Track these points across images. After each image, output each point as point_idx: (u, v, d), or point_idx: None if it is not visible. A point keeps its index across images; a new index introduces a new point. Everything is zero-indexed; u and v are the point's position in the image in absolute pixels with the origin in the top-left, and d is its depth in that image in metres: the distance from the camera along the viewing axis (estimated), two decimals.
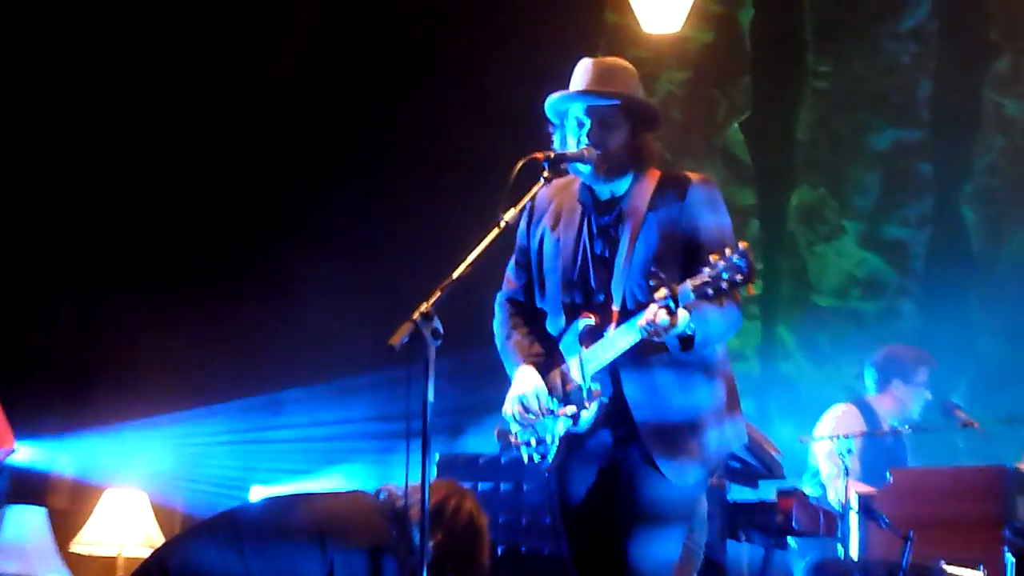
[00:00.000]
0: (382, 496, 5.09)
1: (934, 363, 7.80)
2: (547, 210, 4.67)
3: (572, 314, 4.53)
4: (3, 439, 5.79)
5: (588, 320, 4.48)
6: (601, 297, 4.49)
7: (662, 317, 4.11)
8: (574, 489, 4.60)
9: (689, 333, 4.23)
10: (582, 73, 4.54)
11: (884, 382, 7.76)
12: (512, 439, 4.65)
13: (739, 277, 4.04)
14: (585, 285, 4.53)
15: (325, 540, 4.84)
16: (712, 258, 4.08)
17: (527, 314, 4.73)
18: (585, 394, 4.45)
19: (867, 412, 7.67)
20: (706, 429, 4.47)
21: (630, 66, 4.61)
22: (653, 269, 4.27)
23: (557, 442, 4.53)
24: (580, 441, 4.52)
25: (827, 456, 7.45)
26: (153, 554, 5.09)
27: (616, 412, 4.44)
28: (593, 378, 4.43)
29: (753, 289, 4.06)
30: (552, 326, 4.61)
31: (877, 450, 7.06)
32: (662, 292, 4.11)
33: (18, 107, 8.41)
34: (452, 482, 5.23)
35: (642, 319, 4.16)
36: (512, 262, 4.80)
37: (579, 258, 4.55)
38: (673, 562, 4.45)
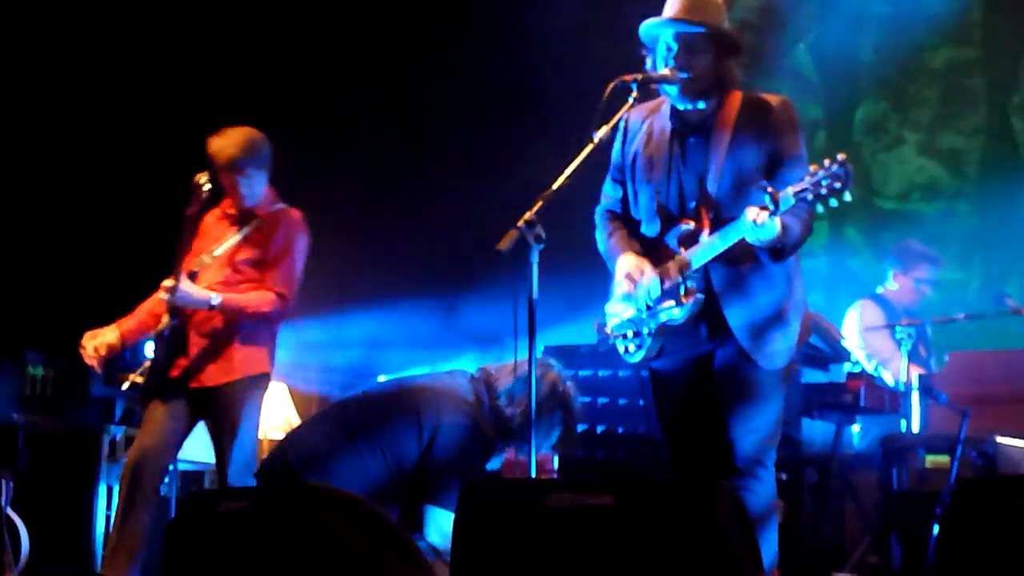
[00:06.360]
0: (478, 374, 5.13)
1: (940, 263, 7.67)
2: (639, 131, 4.65)
3: (668, 221, 4.51)
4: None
5: (688, 225, 4.45)
6: (693, 204, 4.45)
7: (763, 218, 4.06)
8: (671, 377, 4.59)
9: (780, 245, 4.21)
10: (673, 2, 4.50)
11: (887, 272, 7.69)
12: (608, 331, 4.67)
13: (838, 184, 3.95)
14: (679, 195, 4.50)
15: (420, 414, 4.87)
16: (812, 168, 4.02)
17: (624, 221, 4.72)
18: (682, 291, 4.42)
19: (883, 304, 7.59)
20: (788, 322, 4.45)
21: None
22: (760, 180, 4.20)
23: (653, 335, 4.52)
24: (675, 334, 4.50)
25: (861, 348, 7.38)
26: (276, 446, 5.16)
27: (709, 309, 4.42)
28: (688, 277, 4.41)
29: (850, 196, 3.98)
30: (648, 231, 4.59)
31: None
32: (765, 197, 4.06)
33: None
34: (543, 359, 5.20)
35: (747, 218, 4.10)
36: (608, 179, 4.79)
37: (672, 172, 4.51)
38: (772, 438, 4.43)
